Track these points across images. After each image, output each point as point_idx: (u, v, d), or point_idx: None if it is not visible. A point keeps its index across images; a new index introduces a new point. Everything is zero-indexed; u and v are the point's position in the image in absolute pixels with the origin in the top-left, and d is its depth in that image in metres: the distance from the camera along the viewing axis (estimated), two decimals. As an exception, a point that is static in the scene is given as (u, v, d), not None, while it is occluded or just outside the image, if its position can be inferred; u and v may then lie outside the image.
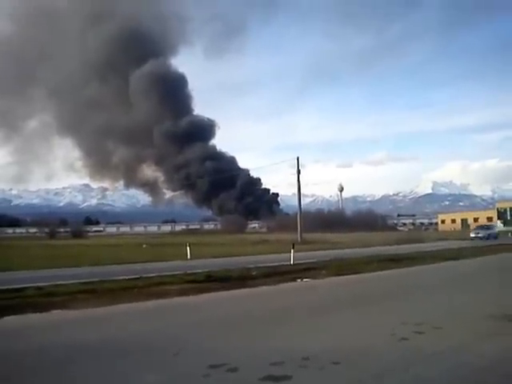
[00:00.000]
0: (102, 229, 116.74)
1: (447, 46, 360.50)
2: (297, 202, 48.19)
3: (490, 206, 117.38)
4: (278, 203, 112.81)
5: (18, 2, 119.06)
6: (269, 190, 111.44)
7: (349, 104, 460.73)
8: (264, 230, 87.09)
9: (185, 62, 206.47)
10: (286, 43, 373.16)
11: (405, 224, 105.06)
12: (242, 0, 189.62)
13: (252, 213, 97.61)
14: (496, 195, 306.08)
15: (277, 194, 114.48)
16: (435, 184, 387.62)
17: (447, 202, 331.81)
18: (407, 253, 25.21)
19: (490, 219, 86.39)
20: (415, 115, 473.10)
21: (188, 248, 24.57)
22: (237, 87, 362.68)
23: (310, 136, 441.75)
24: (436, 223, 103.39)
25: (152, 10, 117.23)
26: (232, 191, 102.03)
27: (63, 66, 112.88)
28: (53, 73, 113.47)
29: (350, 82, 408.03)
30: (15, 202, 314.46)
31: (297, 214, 47.88)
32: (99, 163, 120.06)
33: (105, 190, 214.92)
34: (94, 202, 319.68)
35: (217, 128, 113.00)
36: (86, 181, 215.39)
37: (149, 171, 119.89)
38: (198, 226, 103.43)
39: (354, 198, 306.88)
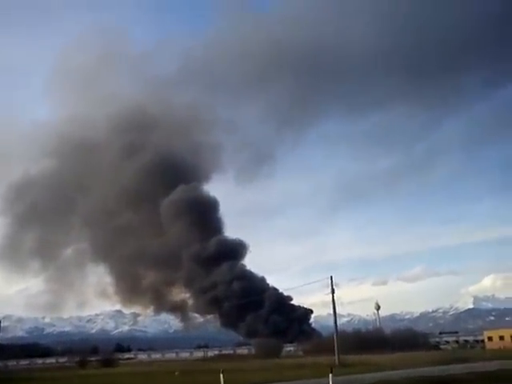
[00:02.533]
0: (133, 356, 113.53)
1: (473, 161, 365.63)
2: (333, 323, 46.47)
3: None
4: (309, 323, 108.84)
5: (60, 141, 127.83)
6: (301, 308, 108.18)
7: (381, 221, 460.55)
8: (300, 352, 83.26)
9: (217, 187, 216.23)
10: (315, 165, 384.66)
11: (448, 342, 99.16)
12: (271, 129, 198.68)
13: (283, 333, 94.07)
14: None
15: (310, 311, 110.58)
16: (476, 299, 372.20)
17: (492, 318, 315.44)
18: (455, 373, 23.51)
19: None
20: (449, 229, 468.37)
21: (221, 375, 23.48)
22: (268, 209, 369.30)
23: (344, 254, 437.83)
24: (482, 341, 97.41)
25: (185, 140, 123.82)
26: (261, 311, 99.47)
27: (98, 195, 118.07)
28: (88, 203, 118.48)
29: (380, 199, 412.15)
30: (48, 330, 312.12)
31: (333, 335, 45.94)
32: (130, 289, 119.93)
33: (136, 315, 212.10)
34: (126, 328, 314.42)
35: (248, 249, 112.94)
36: (118, 307, 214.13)
37: (179, 295, 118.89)
38: (231, 351, 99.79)
39: (392, 317, 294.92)
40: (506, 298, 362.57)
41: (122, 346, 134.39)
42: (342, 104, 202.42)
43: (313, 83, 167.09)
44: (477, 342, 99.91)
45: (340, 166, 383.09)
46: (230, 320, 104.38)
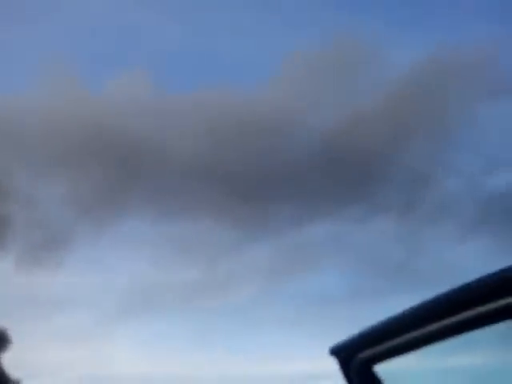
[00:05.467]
0: None
1: (271, 292, 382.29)
2: None
3: None
4: None
5: None
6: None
7: (171, 338, 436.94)
8: None
9: None
10: (111, 265, 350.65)
11: None
12: (71, 215, 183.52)
13: None
14: None
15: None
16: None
17: None
18: None
19: None
20: (239, 358, 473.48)
21: None
22: (48, 302, 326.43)
23: (124, 368, 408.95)
24: None
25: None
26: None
27: None
28: None
29: (174, 314, 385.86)
30: None
31: None
32: None
33: None
34: None
35: (10, 342, 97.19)
36: None
37: None
38: None
39: None
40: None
41: None
42: (150, 206, 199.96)
43: (125, 179, 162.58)
44: None
45: (137, 270, 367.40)
46: None
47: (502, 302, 1.35)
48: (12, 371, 56.96)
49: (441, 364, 1.98)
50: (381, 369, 1.88)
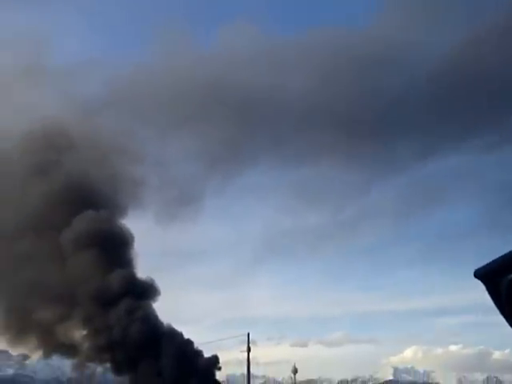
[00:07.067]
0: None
1: (398, 230, 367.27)
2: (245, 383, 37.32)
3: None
4: (215, 379, 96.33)
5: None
6: (206, 360, 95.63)
7: (304, 280, 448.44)
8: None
9: (134, 223, 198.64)
10: (241, 214, 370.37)
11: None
12: (199, 171, 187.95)
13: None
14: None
15: (215, 358, 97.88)
16: (396, 370, 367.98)
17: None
18: None
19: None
20: (372, 296, 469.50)
21: None
22: (187, 254, 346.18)
23: (262, 311, 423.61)
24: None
25: (104, 168, 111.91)
26: (161, 360, 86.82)
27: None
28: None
29: (305, 257, 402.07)
30: None
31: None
32: (22, 326, 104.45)
33: (25, 357, 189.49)
34: (10, 371, 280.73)
35: (159, 293, 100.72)
36: (5, 346, 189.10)
37: (73, 337, 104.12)
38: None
39: (309, 382, 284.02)
40: (425, 371, 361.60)
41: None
42: (273, 154, 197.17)
43: (246, 129, 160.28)
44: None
45: (266, 218, 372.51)
46: (123, 369, 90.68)
47: None
48: (163, 318, 56.38)
49: None
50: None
